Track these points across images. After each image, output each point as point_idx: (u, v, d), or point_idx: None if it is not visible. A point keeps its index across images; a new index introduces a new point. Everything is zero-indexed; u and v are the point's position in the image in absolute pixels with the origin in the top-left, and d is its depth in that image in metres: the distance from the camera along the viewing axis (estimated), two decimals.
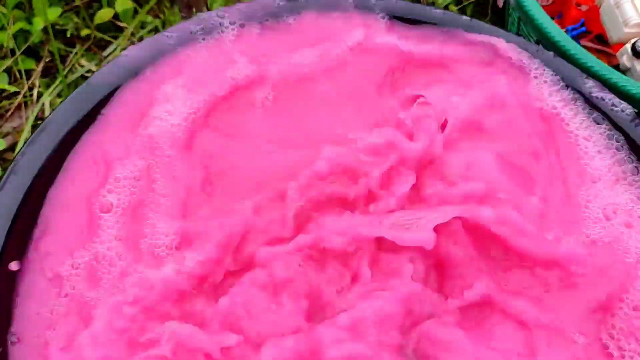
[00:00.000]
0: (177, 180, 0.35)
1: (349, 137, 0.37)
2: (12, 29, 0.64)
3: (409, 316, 0.31)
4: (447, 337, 0.30)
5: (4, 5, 0.65)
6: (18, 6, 0.66)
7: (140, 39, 0.71)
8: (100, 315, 0.30)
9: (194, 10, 0.76)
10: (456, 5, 0.81)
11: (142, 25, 0.72)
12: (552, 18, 0.75)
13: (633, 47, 0.56)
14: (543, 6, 0.74)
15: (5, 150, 0.60)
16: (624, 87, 0.49)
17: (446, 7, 0.79)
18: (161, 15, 0.73)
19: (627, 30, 0.57)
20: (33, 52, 0.68)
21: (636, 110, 0.43)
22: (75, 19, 0.69)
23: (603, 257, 0.35)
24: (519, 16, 0.58)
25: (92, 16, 0.70)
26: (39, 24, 0.64)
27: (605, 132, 0.41)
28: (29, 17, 0.66)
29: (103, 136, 0.36)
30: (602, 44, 0.69)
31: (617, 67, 0.59)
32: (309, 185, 0.34)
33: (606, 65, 0.50)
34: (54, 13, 0.65)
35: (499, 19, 0.81)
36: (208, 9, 0.72)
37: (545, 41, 0.53)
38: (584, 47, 0.71)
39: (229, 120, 0.38)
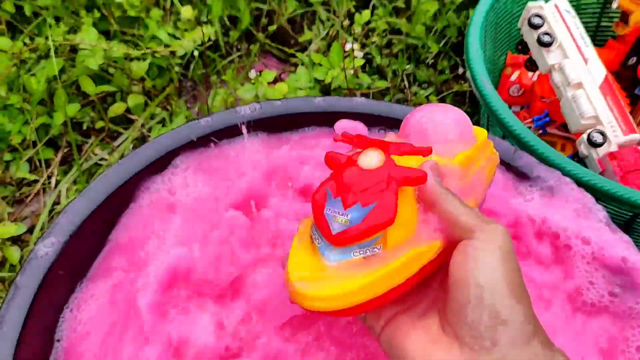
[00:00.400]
0: None
1: None
2: (35, 123, 0.71)
3: None
4: None
5: (28, 102, 0.72)
6: (41, 102, 0.74)
7: (149, 129, 0.78)
8: None
9: (199, 103, 0.84)
10: (436, 95, 0.89)
11: (152, 117, 0.80)
12: (521, 108, 0.83)
13: (588, 137, 0.63)
14: (512, 97, 0.82)
15: (24, 233, 0.66)
16: (576, 174, 0.55)
17: (427, 98, 0.87)
18: (169, 107, 0.81)
19: (583, 122, 0.64)
20: (52, 143, 0.75)
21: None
22: (92, 113, 0.77)
23: None
24: (487, 111, 0.65)
25: (106, 110, 0.78)
26: (59, 118, 0.71)
27: None
28: (50, 112, 0.74)
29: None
30: (566, 132, 0.76)
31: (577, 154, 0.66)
32: None
33: (562, 155, 0.57)
34: (73, 109, 0.72)
35: (477, 110, 0.89)
36: (208, 103, 0.80)
37: (509, 134, 0.60)
38: (551, 134, 0.78)
39: None
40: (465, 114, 0.38)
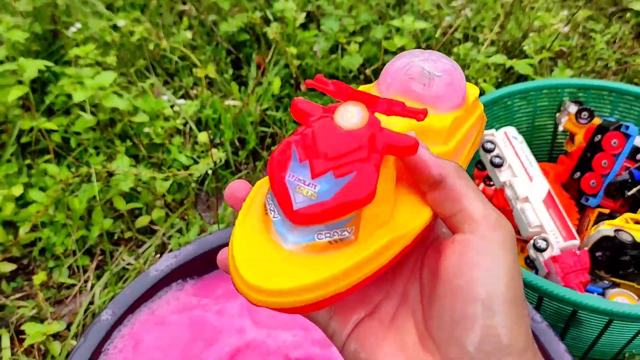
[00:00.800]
0: None
1: None
2: (76, 235, 0.86)
3: None
4: None
5: (70, 218, 0.87)
6: (80, 217, 0.89)
7: (169, 237, 0.92)
8: None
9: (212, 212, 0.99)
10: None
11: (172, 226, 0.94)
12: None
13: (534, 243, 0.75)
14: None
15: (63, 330, 0.78)
16: (524, 278, 0.67)
17: None
18: (186, 217, 0.96)
19: (530, 230, 0.77)
20: (88, 251, 0.89)
21: None
22: (121, 225, 0.91)
23: None
24: None
25: (133, 221, 0.92)
26: (95, 232, 0.86)
27: None
28: (88, 225, 0.88)
29: None
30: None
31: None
32: None
33: None
34: (107, 223, 0.87)
35: None
36: (217, 211, 0.95)
37: None
38: None
39: None
40: (458, 65, 0.32)
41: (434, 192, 0.26)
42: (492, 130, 0.86)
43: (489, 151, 0.84)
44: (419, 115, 0.25)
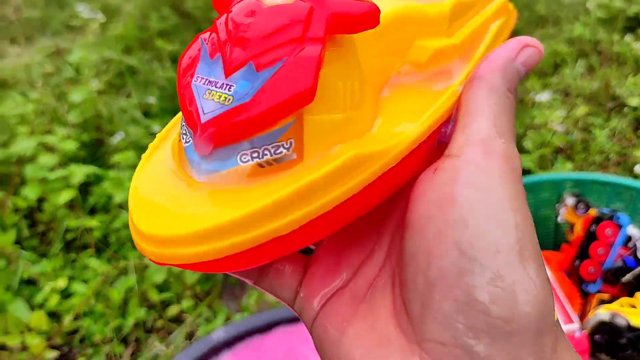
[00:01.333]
0: None
1: None
2: (114, 324, 0.94)
3: None
4: None
5: (109, 307, 0.96)
6: (118, 307, 0.97)
7: (198, 325, 1.00)
8: None
9: (238, 300, 1.06)
10: None
11: (199, 315, 1.02)
12: None
13: None
14: None
15: None
16: None
17: None
18: (213, 306, 1.03)
19: None
20: (124, 339, 0.97)
21: None
22: (154, 314, 0.99)
23: None
24: None
25: (165, 310, 1.00)
26: (130, 320, 0.94)
27: None
28: (124, 314, 0.97)
29: None
30: None
31: None
32: None
33: None
34: (142, 312, 0.95)
35: None
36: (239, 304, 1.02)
37: None
38: None
39: None
40: None
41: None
42: None
43: None
44: None
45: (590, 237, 0.94)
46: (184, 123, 0.18)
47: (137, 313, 0.95)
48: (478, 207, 0.16)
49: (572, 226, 1.02)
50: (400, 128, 0.19)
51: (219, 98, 0.17)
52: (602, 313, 0.80)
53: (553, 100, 1.46)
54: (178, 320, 1.02)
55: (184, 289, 1.02)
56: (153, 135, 1.37)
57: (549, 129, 1.25)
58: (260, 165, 0.17)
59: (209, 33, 0.18)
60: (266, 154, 0.17)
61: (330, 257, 0.21)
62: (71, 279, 1.01)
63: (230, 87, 0.17)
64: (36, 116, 1.30)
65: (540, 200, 1.07)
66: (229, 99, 0.16)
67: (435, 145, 0.21)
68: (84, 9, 1.95)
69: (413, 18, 0.21)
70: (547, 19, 1.92)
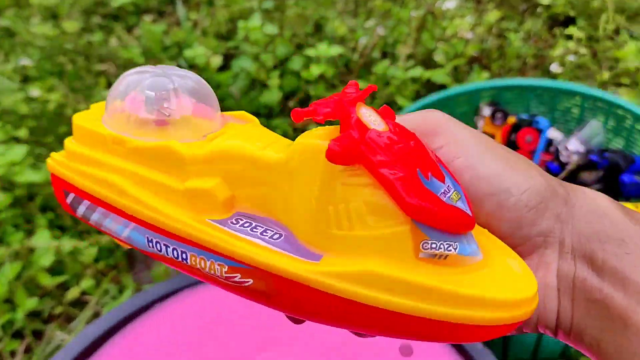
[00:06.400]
0: None
1: None
2: (2, 319, 0.82)
3: None
4: None
5: None
6: (6, 300, 0.86)
7: (103, 305, 0.89)
8: None
9: (149, 270, 0.96)
10: None
11: (107, 292, 0.91)
12: None
13: None
14: None
15: None
16: None
17: None
18: (121, 281, 0.93)
19: None
20: (17, 334, 0.85)
21: None
22: (50, 301, 0.88)
23: None
24: None
25: (63, 295, 0.89)
26: (20, 313, 0.82)
27: None
28: (15, 307, 0.85)
29: None
30: None
31: None
32: None
33: None
34: (32, 303, 0.84)
35: None
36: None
37: None
38: None
39: None
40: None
41: None
42: None
43: None
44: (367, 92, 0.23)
45: (510, 147, 0.88)
46: (438, 236, 0.21)
47: (28, 303, 0.83)
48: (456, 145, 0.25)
49: (492, 138, 0.96)
50: None
51: (457, 197, 0.22)
52: None
53: (462, 8, 1.38)
54: (80, 303, 0.91)
55: (84, 268, 0.91)
56: (33, 99, 1.21)
57: (460, 38, 1.17)
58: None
59: (395, 163, 0.21)
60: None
61: None
62: None
63: (451, 188, 0.22)
64: None
65: (457, 116, 0.99)
66: (460, 195, 0.22)
67: None
68: None
69: None
70: None
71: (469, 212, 0.22)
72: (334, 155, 0.20)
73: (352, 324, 0.22)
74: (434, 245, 0.21)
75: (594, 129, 0.82)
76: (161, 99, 0.26)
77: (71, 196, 0.28)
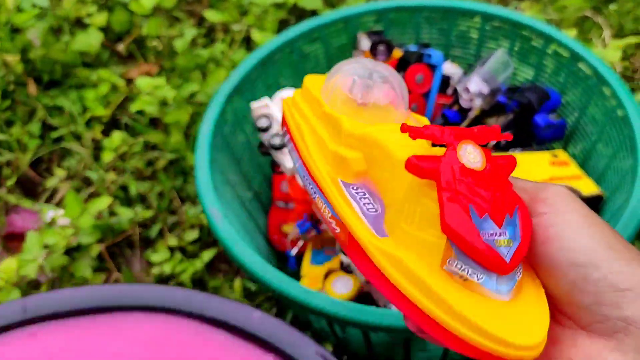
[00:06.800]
0: None
1: None
2: None
3: None
4: None
5: None
6: None
7: None
8: None
9: None
10: None
11: None
12: None
13: None
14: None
15: None
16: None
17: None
18: None
19: None
20: None
21: None
22: None
23: None
24: None
25: None
26: None
27: None
28: None
29: None
30: None
31: None
32: None
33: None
34: None
35: None
36: None
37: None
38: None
39: None
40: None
41: None
42: (265, 99, 0.63)
43: (264, 130, 0.61)
44: (497, 132, 0.27)
45: None
46: (467, 265, 0.24)
47: None
48: (571, 231, 0.26)
49: None
50: None
51: (505, 243, 0.24)
52: None
53: None
54: None
55: None
56: None
57: None
58: (520, 277, 0.25)
59: (457, 196, 0.24)
60: (520, 269, 0.26)
61: None
62: None
63: (506, 233, 0.24)
64: None
65: (332, 50, 0.78)
66: (510, 242, 0.24)
67: None
68: None
69: None
70: None
71: (505, 258, 0.24)
72: (410, 166, 0.25)
73: (381, 289, 0.26)
74: (457, 265, 0.24)
75: (500, 61, 0.63)
76: (365, 86, 0.31)
77: (284, 129, 0.35)
